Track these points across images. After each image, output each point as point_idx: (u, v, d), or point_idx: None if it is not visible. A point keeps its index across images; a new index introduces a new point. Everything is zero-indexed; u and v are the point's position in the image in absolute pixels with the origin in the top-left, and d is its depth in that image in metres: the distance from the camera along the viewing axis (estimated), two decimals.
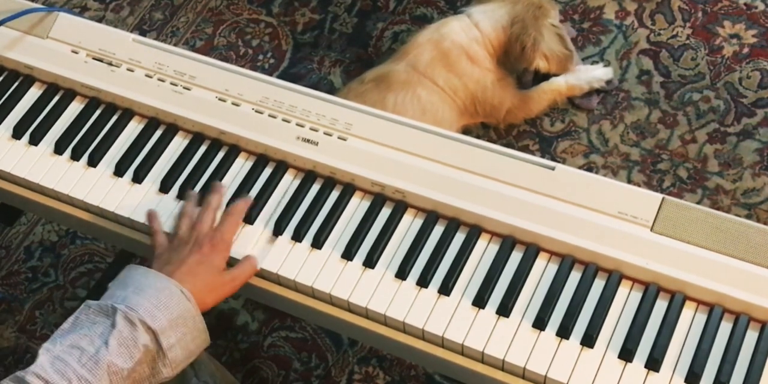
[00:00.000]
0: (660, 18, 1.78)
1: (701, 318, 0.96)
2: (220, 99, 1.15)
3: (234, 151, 1.14)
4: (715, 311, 0.96)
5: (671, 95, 1.69)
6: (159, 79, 1.17)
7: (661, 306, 0.97)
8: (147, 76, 1.18)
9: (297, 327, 1.60)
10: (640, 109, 1.69)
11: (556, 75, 1.68)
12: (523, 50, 1.58)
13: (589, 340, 0.96)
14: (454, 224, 1.05)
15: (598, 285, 0.99)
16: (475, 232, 1.04)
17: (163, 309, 0.93)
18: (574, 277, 1.00)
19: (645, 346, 0.95)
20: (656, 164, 1.64)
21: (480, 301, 0.99)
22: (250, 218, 1.08)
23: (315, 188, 1.10)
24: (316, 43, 1.89)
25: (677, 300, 0.97)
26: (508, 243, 1.02)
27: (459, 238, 1.04)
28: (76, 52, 1.21)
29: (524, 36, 1.57)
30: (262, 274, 1.06)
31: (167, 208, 1.10)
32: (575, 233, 1.00)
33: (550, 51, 1.61)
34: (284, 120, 1.12)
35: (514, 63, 1.61)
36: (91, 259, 1.73)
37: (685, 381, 0.93)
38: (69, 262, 1.74)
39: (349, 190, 1.09)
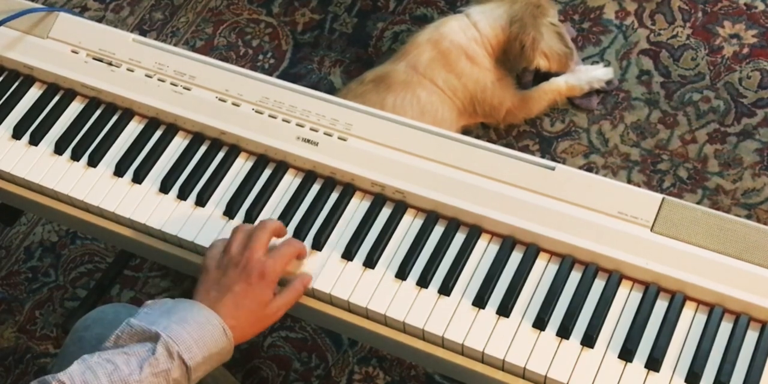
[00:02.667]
0: (660, 18, 1.78)
1: (701, 318, 0.96)
2: (220, 99, 1.15)
3: (234, 151, 1.14)
4: (715, 311, 0.96)
5: (671, 95, 1.69)
6: (159, 79, 1.17)
7: (661, 306, 0.97)
8: (147, 76, 1.18)
9: (297, 327, 1.60)
10: (640, 109, 1.69)
11: (556, 75, 1.68)
12: (523, 49, 1.58)
13: (589, 340, 0.96)
14: (454, 224, 1.05)
15: (598, 285, 0.99)
16: (475, 232, 1.04)
17: (202, 346, 0.91)
18: (574, 277, 1.00)
19: (645, 346, 0.95)
20: (656, 164, 1.64)
21: (480, 301, 0.99)
22: (250, 218, 1.08)
23: (315, 188, 1.10)
24: (316, 43, 1.89)
25: (677, 300, 0.97)
26: (508, 243, 1.02)
27: (459, 238, 1.04)
28: (76, 52, 1.21)
29: (523, 35, 1.57)
30: None
31: (167, 208, 1.10)
32: (575, 233, 1.00)
33: (550, 49, 1.61)
34: (284, 120, 1.12)
35: (514, 62, 1.61)
36: (91, 259, 1.73)
37: (685, 381, 0.93)
38: (69, 262, 1.74)
39: (349, 190, 1.09)
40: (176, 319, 0.91)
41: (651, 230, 0.99)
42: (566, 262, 1.01)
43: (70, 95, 1.21)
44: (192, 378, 0.91)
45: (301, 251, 1.03)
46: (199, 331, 0.91)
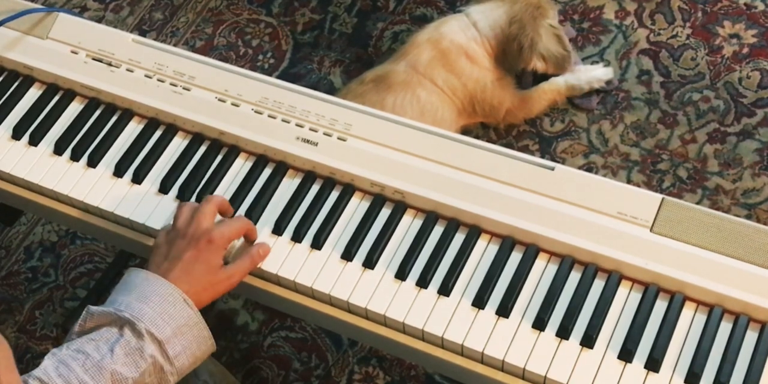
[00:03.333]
0: (660, 18, 1.78)
1: (701, 318, 0.96)
2: (219, 99, 1.15)
3: (234, 151, 1.14)
4: (714, 311, 0.96)
5: (671, 95, 1.69)
6: (159, 80, 1.17)
7: (660, 306, 0.97)
8: (147, 76, 1.18)
9: (297, 327, 1.60)
10: (640, 109, 1.69)
11: (555, 75, 1.68)
12: (521, 50, 1.58)
13: (588, 341, 0.96)
14: (453, 224, 1.05)
15: (598, 285, 0.99)
16: (474, 232, 1.04)
17: (167, 318, 0.92)
18: (574, 277, 1.00)
19: (645, 346, 0.95)
20: (656, 164, 1.64)
21: (480, 302, 0.99)
22: (250, 218, 1.08)
23: (315, 188, 1.10)
24: (316, 43, 1.89)
25: (677, 300, 0.97)
26: (507, 243, 1.02)
27: (459, 238, 1.04)
28: (75, 53, 1.21)
29: (522, 36, 1.57)
30: (262, 275, 1.06)
31: (167, 208, 1.10)
32: (575, 233, 1.00)
33: (548, 51, 1.61)
34: (284, 120, 1.12)
35: (512, 63, 1.61)
36: (91, 259, 1.73)
37: (684, 381, 0.93)
38: (69, 262, 1.74)
39: (348, 190, 1.09)
40: (136, 296, 0.93)
41: (650, 230, 0.99)
42: (566, 262, 1.01)
43: (69, 95, 1.21)
44: (170, 353, 0.91)
45: (250, 229, 1.04)
46: (161, 304, 0.92)
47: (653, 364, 0.93)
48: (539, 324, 0.97)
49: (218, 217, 1.04)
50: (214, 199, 1.03)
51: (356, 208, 1.08)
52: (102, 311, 0.92)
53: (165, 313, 0.92)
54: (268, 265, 1.05)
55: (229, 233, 1.01)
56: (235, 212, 1.09)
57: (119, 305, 0.92)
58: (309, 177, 1.10)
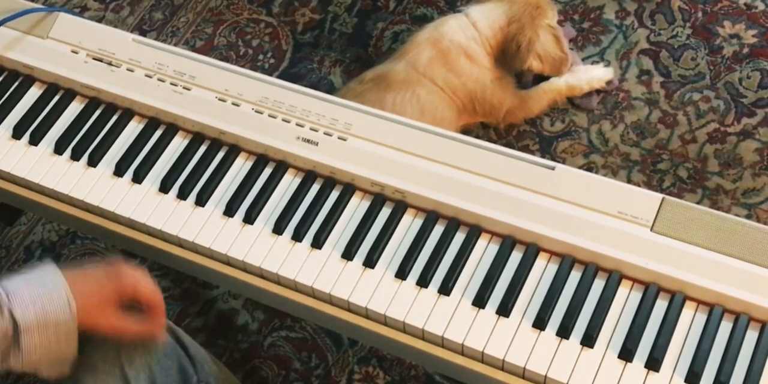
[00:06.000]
0: (660, 18, 1.78)
1: (701, 318, 0.96)
2: (220, 99, 1.15)
3: (234, 151, 1.14)
4: (715, 311, 0.96)
5: (671, 95, 1.69)
6: (159, 79, 1.17)
7: (661, 306, 0.97)
8: (147, 76, 1.18)
9: (297, 327, 1.60)
10: (640, 109, 1.69)
11: (553, 76, 1.68)
12: (518, 50, 1.58)
13: (589, 340, 0.96)
14: (454, 224, 1.05)
15: (598, 285, 0.99)
16: (475, 232, 1.04)
17: (39, 309, 0.87)
18: (574, 277, 1.00)
19: (645, 346, 0.95)
20: (656, 164, 1.64)
21: (480, 301, 0.99)
22: (250, 218, 1.08)
23: (315, 188, 1.10)
24: (316, 43, 1.89)
25: (677, 300, 0.97)
26: (508, 243, 1.02)
27: (459, 238, 1.04)
28: (76, 52, 1.21)
29: (520, 36, 1.57)
30: (262, 274, 1.06)
31: (167, 208, 1.10)
32: (575, 233, 1.00)
33: (545, 52, 1.61)
34: (284, 120, 1.12)
35: (510, 62, 1.61)
36: (91, 259, 1.73)
37: (685, 381, 0.93)
38: (69, 261, 1.74)
39: (348, 190, 1.09)
40: (27, 276, 0.90)
41: (651, 230, 0.99)
42: (566, 261, 1.01)
43: (70, 95, 1.21)
44: (24, 341, 0.86)
45: (161, 305, 0.97)
46: (39, 291, 0.88)
47: (653, 363, 0.93)
48: (539, 323, 0.97)
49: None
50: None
51: (356, 207, 1.08)
52: None
53: (38, 301, 0.87)
54: (269, 265, 1.05)
55: (146, 288, 0.95)
56: (236, 211, 1.09)
57: (7, 281, 0.88)
58: (309, 176, 1.10)
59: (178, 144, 1.16)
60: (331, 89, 1.80)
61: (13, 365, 0.87)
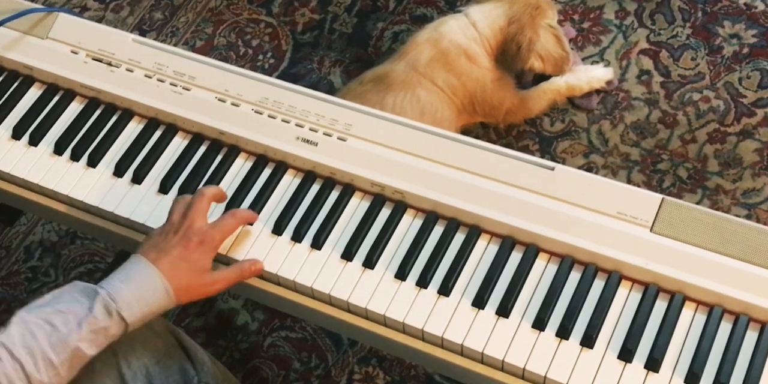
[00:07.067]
0: (660, 18, 1.78)
1: (701, 318, 0.96)
2: (219, 99, 1.15)
3: (234, 151, 1.14)
4: (714, 311, 0.96)
5: (671, 95, 1.69)
6: (159, 80, 1.17)
7: (660, 306, 0.97)
8: (147, 76, 1.18)
9: (297, 327, 1.60)
10: (640, 109, 1.69)
11: (555, 75, 1.68)
12: (519, 50, 1.58)
13: (588, 341, 0.96)
14: (453, 224, 1.05)
15: (598, 285, 0.99)
16: (474, 232, 1.04)
17: (143, 305, 0.93)
18: (574, 277, 1.00)
19: (645, 346, 0.95)
20: (656, 164, 1.64)
21: (479, 302, 0.99)
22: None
23: (315, 188, 1.10)
24: (316, 43, 1.89)
25: (677, 300, 0.97)
26: (507, 243, 1.02)
27: (459, 238, 1.04)
28: (75, 53, 1.21)
29: (520, 36, 1.57)
30: (262, 275, 1.06)
31: (167, 208, 1.10)
32: (575, 233, 1.00)
33: (546, 51, 1.61)
34: (284, 120, 1.12)
35: (511, 63, 1.61)
36: (91, 259, 1.73)
37: (684, 381, 0.93)
38: (69, 262, 1.74)
39: (348, 190, 1.09)
40: (120, 276, 0.93)
41: (651, 230, 0.99)
42: (566, 262, 1.01)
43: (69, 95, 1.21)
44: (129, 330, 0.93)
45: (250, 218, 1.04)
46: (141, 289, 0.93)
47: (653, 364, 0.93)
48: (539, 324, 0.97)
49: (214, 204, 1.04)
50: (207, 193, 1.03)
51: (356, 208, 1.08)
52: (84, 286, 0.92)
53: (143, 300, 0.92)
54: (269, 265, 1.04)
55: (222, 235, 1.01)
56: None
57: (102, 282, 0.93)
58: (309, 177, 1.10)
59: (177, 144, 1.16)
60: (330, 89, 1.80)
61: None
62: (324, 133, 1.10)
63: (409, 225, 1.06)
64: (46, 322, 0.88)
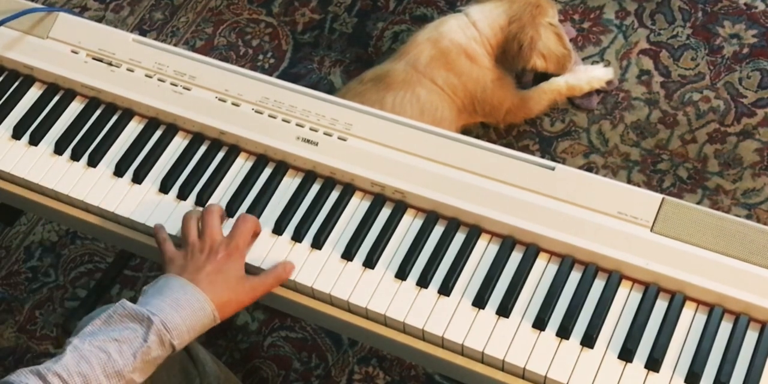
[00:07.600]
0: (660, 18, 1.78)
1: (701, 318, 0.96)
2: (220, 99, 1.15)
3: (234, 151, 1.14)
4: (715, 311, 0.96)
5: (671, 95, 1.69)
6: (159, 79, 1.17)
7: (661, 306, 0.97)
8: (147, 76, 1.18)
9: (297, 327, 1.60)
10: (640, 109, 1.69)
11: (555, 75, 1.68)
12: (520, 49, 1.58)
13: (589, 341, 0.96)
14: (454, 224, 1.05)
15: (598, 285, 0.99)
16: (475, 232, 1.04)
17: (192, 332, 0.94)
18: (574, 277, 1.00)
19: (645, 346, 0.95)
20: (656, 164, 1.64)
21: (480, 302, 0.99)
22: None
23: (315, 188, 1.10)
24: (316, 43, 1.89)
25: (677, 300, 0.97)
26: (507, 243, 1.02)
27: (459, 238, 1.04)
28: (76, 52, 1.21)
29: (521, 35, 1.57)
30: None
31: (167, 208, 1.10)
32: (575, 233, 1.00)
33: (548, 50, 1.61)
34: (284, 120, 1.12)
35: (512, 62, 1.61)
36: (91, 259, 1.73)
37: (685, 381, 0.93)
38: (69, 262, 1.74)
39: (349, 190, 1.09)
40: (170, 302, 0.93)
41: (651, 230, 0.99)
42: (566, 262, 1.01)
43: (70, 95, 1.21)
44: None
45: (256, 226, 1.05)
46: (192, 317, 0.93)
47: (653, 363, 0.93)
48: (539, 324, 0.97)
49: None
50: (214, 208, 1.04)
51: (356, 207, 1.08)
52: (134, 309, 0.91)
53: (192, 328, 0.93)
54: (269, 265, 1.04)
55: (243, 241, 1.02)
56: (236, 212, 1.09)
57: (152, 307, 0.92)
58: (309, 177, 1.10)
59: (178, 144, 1.16)
60: (331, 89, 1.80)
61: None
62: (324, 133, 1.10)
63: (409, 225, 1.06)
64: (101, 350, 0.88)
